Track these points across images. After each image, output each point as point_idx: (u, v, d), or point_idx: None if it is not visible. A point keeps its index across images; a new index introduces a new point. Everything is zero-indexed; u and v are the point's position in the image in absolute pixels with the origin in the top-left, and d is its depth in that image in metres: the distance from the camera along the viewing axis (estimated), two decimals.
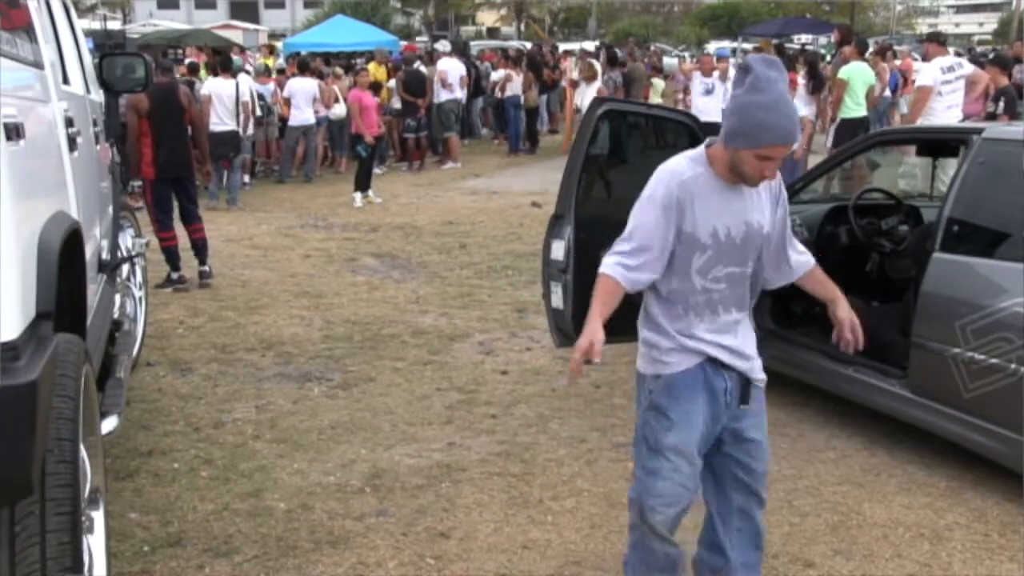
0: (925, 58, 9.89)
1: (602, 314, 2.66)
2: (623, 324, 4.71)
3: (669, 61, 25.95)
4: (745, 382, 2.78)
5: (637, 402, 2.88)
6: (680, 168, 2.68)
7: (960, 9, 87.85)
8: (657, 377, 2.78)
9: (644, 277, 2.69)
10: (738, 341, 2.77)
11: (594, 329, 2.64)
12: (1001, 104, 8.35)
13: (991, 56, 9.95)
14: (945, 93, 8.34)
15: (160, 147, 6.97)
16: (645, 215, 2.66)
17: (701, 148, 2.73)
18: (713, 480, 2.87)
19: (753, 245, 2.75)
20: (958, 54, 12.80)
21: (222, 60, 11.91)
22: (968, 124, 6.50)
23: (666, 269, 2.70)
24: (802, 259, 2.98)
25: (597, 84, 13.05)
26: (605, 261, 2.71)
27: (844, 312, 2.94)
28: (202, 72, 13.62)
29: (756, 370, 2.82)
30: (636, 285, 2.70)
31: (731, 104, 2.64)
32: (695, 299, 2.72)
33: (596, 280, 2.70)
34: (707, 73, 11.77)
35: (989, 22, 72.91)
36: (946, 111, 8.28)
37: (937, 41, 9.41)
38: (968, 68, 8.73)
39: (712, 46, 34.82)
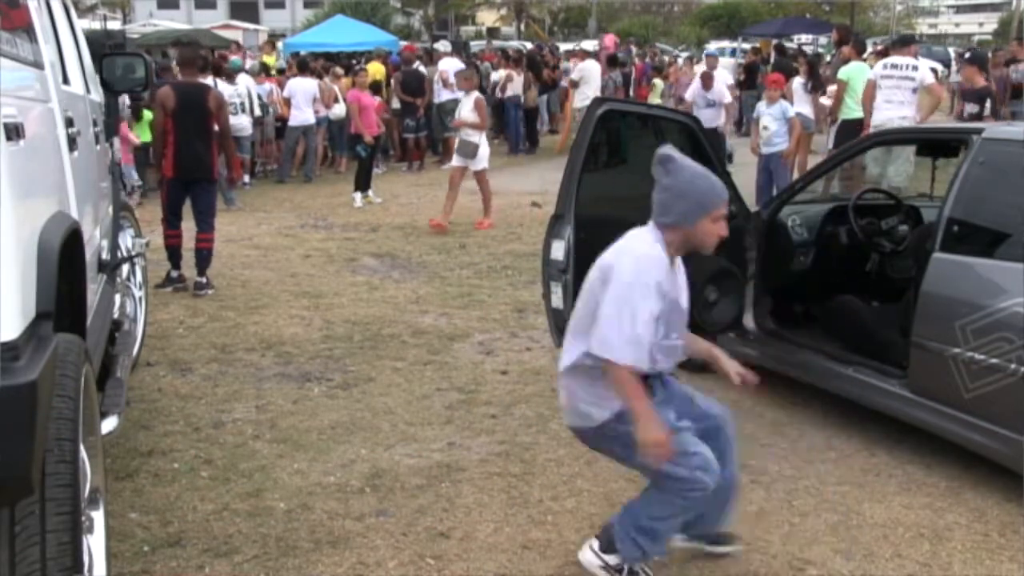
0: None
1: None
2: None
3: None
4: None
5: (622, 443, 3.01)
6: (658, 254, 3.02)
7: (960, 9, 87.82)
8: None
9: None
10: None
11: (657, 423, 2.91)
12: (988, 105, 8.49)
13: (967, 56, 9.99)
14: (885, 88, 8.75)
15: (181, 146, 6.94)
16: (647, 301, 2.91)
17: (657, 234, 3.05)
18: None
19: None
20: (959, 55, 12.85)
21: (210, 64, 11.68)
22: (968, 124, 6.50)
23: None
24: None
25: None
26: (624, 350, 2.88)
27: (727, 364, 3.43)
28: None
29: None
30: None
31: (666, 194, 3.01)
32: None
33: (622, 378, 2.89)
34: (707, 88, 11.73)
35: (989, 22, 72.87)
36: (884, 104, 8.74)
37: (903, 43, 9.64)
38: (921, 74, 8.89)
39: (712, 46, 34.85)
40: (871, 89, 8.92)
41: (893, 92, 8.73)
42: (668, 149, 3.05)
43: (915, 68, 8.88)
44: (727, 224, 3.07)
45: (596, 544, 3.17)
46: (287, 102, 12.99)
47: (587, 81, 14.68)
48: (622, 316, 2.87)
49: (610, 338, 2.87)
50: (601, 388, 3.00)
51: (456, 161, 9.65)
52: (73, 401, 2.30)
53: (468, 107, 9.43)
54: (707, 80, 11.80)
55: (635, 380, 2.89)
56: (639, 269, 2.94)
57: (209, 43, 21.25)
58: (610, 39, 19.52)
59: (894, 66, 8.90)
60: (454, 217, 10.32)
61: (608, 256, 3.07)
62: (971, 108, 8.82)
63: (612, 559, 3.12)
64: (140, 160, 11.14)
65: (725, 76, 12.58)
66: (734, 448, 3.28)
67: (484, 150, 9.51)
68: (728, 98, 12.01)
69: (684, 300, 3.24)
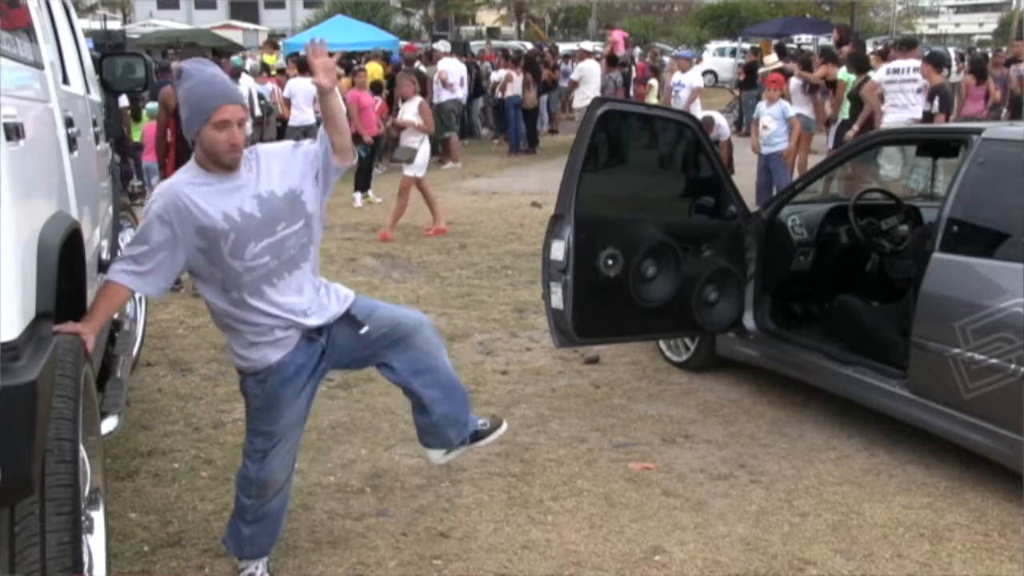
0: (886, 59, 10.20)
1: None
2: (622, 324, 4.75)
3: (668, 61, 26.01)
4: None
5: None
6: (176, 180, 2.87)
7: (960, 9, 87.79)
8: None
9: None
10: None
11: None
12: (936, 103, 8.58)
13: (926, 54, 10.06)
14: (890, 92, 8.94)
15: (183, 146, 6.94)
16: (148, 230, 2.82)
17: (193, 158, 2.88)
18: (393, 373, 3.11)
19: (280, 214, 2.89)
20: (960, 56, 12.89)
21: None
22: (968, 124, 6.50)
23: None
24: None
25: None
26: None
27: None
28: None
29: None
30: None
31: (180, 103, 2.83)
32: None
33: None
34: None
35: (989, 22, 72.85)
36: (891, 108, 8.93)
37: (906, 46, 9.87)
38: (921, 77, 9.08)
39: (712, 46, 34.86)
40: (873, 91, 9.06)
41: (897, 96, 8.89)
42: (182, 65, 2.91)
43: (917, 70, 9.02)
44: (239, 131, 2.80)
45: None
46: (287, 102, 12.98)
47: (587, 81, 14.68)
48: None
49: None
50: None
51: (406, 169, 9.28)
52: (73, 401, 2.30)
53: (412, 111, 9.13)
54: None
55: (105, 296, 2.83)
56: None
57: (209, 43, 21.26)
58: (619, 34, 19.48)
59: (896, 70, 9.06)
60: (454, 217, 10.32)
61: None
62: (925, 107, 8.97)
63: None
64: (140, 160, 11.15)
65: (694, 78, 12.66)
66: (434, 348, 3.16)
67: (423, 157, 9.17)
68: (684, 102, 12.09)
69: (258, 205, 2.87)
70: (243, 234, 2.83)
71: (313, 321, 2.98)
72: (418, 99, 9.37)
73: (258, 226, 2.85)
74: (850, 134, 9.09)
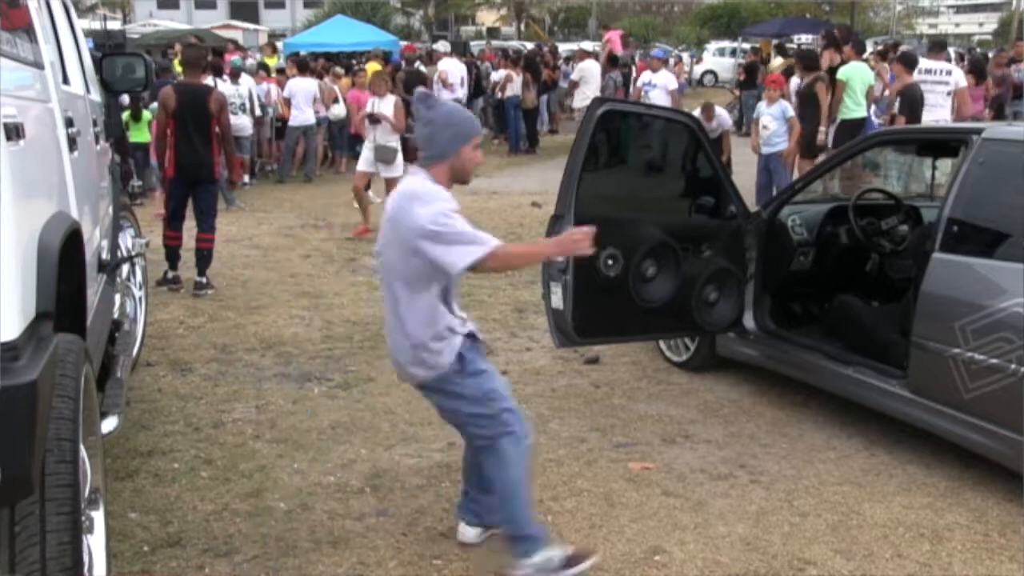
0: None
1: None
2: (622, 324, 4.74)
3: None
4: None
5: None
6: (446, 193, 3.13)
7: (960, 9, 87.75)
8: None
9: None
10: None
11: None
12: (896, 104, 8.70)
13: (899, 53, 10.16)
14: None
15: (181, 147, 6.94)
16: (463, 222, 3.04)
17: (424, 174, 3.14)
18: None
19: None
20: (960, 56, 12.91)
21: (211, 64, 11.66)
22: (968, 124, 6.50)
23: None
24: None
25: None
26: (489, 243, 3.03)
27: None
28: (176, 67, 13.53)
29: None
30: None
31: (430, 127, 3.13)
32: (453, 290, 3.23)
33: (506, 250, 3.09)
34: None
35: (989, 22, 72.80)
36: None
37: (937, 48, 10.07)
38: (955, 78, 9.36)
39: (712, 46, 34.85)
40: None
41: (928, 96, 9.04)
42: (417, 95, 3.25)
43: (949, 72, 9.35)
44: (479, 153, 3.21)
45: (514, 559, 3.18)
46: (287, 102, 12.98)
47: (587, 81, 14.69)
48: (455, 235, 3.00)
49: (466, 249, 3.00)
50: (443, 328, 3.11)
51: (366, 167, 9.15)
52: (73, 401, 2.30)
53: (387, 110, 9.01)
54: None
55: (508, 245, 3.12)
56: (435, 197, 3.06)
57: (209, 43, 21.25)
58: (615, 34, 19.47)
59: (928, 71, 9.31)
60: None
61: (394, 212, 3.14)
62: (894, 110, 9.11)
63: (533, 560, 3.12)
64: (140, 161, 11.14)
65: (668, 80, 12.70)
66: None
67: (401, 157, 9.09)
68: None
69: None
70: None
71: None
72: (393, 98, 9.24)
73: None
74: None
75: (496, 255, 3.01)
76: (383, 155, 9.01)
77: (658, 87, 12.39)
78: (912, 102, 8.81)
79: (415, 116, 3.24)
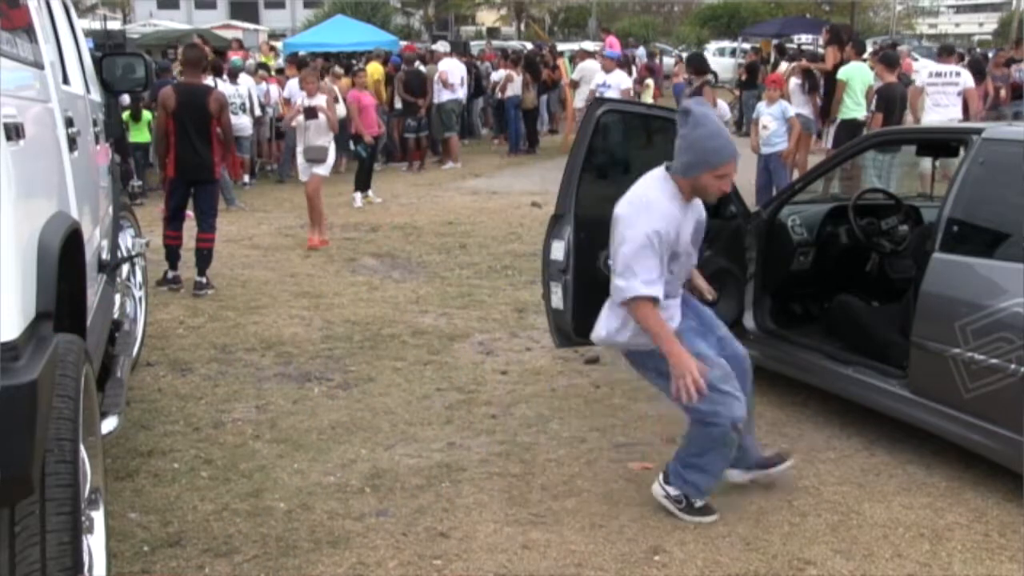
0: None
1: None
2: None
3: (668, 61, 26.00)
4: None
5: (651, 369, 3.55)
6: (669, 208, 3.36)
7: (960, 9, 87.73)
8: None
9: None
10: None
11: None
12: (874, 102, 8.86)
13: (880, 54, 10.25)
14: (932, 93, 9.70)
15: (181, 147, 6.94)
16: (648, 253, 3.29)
17: (668, 181, 3.40)
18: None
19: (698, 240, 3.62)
20: (960, 56, 12.95)
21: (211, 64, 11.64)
22: (968, 124, 6.51)
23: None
24: None
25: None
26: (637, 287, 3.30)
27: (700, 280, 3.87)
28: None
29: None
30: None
31: (680, 143, 3.31)
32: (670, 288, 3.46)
33: (646, 311, 3.32)
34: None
35: (989, 22, 72.78)
36: (932, 108, 9.66)
37: (946, 52, 10.90)
38: (964, 79, 9.84)
39: (713, 46, 34.83)
40: (918, 95, 9.79)
41: (939, 96, 9.61)
42: (691, 103, 3.38)
43: (958, 74, 9.81)
44: (729, 182, 3.44)
45: (662, 477, 3.64)
46: (287, 102, 12.97)
47: (587, 81, 14.67)
48: (633, 262, 3.28)
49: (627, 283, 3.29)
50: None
51: (308, 169, 8.80)
52: (73, 401, 2.30)
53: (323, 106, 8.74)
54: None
55: (658, 315, 3.32)
56: (641, 218, 3.31)
57: (211, 44, 21.25)
58: (613, 40, 19.48)
59: (939, 74, 9.89)
60: (453, 217, 10.33)
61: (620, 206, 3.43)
62: (871, 108, 9.30)
63: (672, 490, 3.60)
64: (140, 161, 11.15)
65: (620, 80, 12.76)
66: (750, 384, 3.72)
67: (332, 157, 8.90)
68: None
69: (691, 233, 3.52)
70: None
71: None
72: (324, 96, 8.87)
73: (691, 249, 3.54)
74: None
75: (639, 305, 3.30)
76: (314, 154, 8.70)
77: (612, 87, 12.44)
78: (888, 101, 8.93)
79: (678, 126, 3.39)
